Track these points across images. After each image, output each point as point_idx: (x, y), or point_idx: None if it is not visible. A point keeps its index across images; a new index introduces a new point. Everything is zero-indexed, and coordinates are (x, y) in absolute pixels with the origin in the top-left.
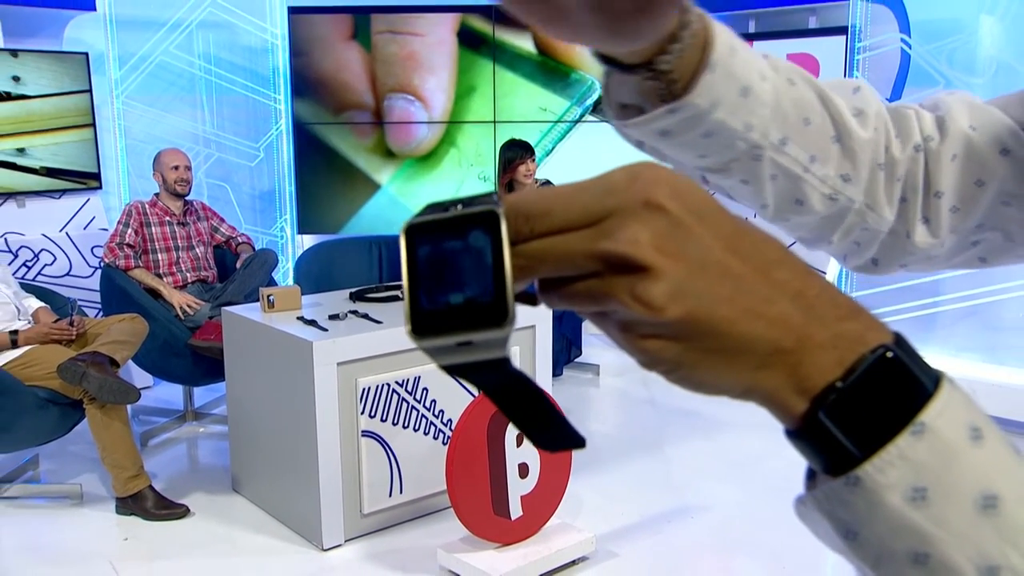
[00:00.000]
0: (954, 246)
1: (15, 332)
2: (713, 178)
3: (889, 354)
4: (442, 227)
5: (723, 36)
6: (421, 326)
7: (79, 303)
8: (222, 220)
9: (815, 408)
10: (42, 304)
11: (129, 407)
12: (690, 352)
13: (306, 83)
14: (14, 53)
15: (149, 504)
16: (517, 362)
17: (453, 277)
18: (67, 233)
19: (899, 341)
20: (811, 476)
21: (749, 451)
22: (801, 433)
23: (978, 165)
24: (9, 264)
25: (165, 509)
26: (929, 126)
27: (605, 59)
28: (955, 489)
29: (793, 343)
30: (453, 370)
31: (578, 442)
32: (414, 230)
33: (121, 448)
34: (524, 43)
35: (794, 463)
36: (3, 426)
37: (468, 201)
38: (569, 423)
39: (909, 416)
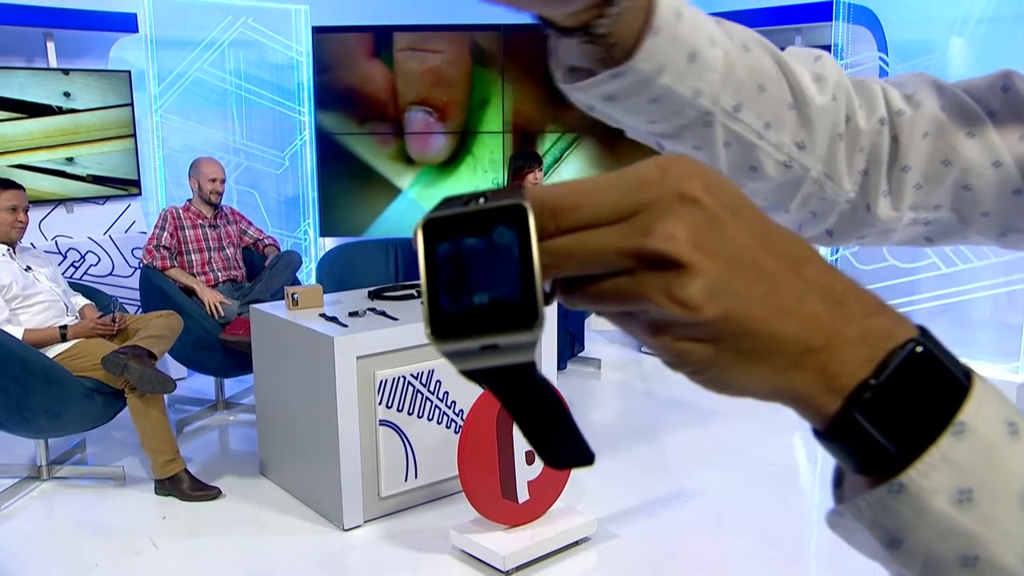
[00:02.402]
0: (909, 222)
1: (64, 327)
2: (667, 144)
3: (919, 348)
4: (463, 222)
5: (671, 1)
6: (442, 328)
7: (120, 301)
8: (250, 223)
9: (849, 407)
10: (88, 301)
11: (166, 396)
12: (722, 353)
13: (333, 97)
14: (65, 71)
15: (185, 486)
16: None
17: (476, 276)
18: (110, 236)
19: (926, 335)
20: (837, 484)
21: (740, 438)
22: (833, 433)
23: (946, 145)
24: (59, 265)
25: (199, 491)
26: (899, 101)
27: (546, 23)
28: (999, 487)
29: (823, 341)
30: (475, 375)
31: (587, 458)
32: (432, 226)
33: (159, 434)
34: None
35: (781, 449)
36: (54, 412)
37: (490, 195)
38: (581, 436)
39: (946, 413)
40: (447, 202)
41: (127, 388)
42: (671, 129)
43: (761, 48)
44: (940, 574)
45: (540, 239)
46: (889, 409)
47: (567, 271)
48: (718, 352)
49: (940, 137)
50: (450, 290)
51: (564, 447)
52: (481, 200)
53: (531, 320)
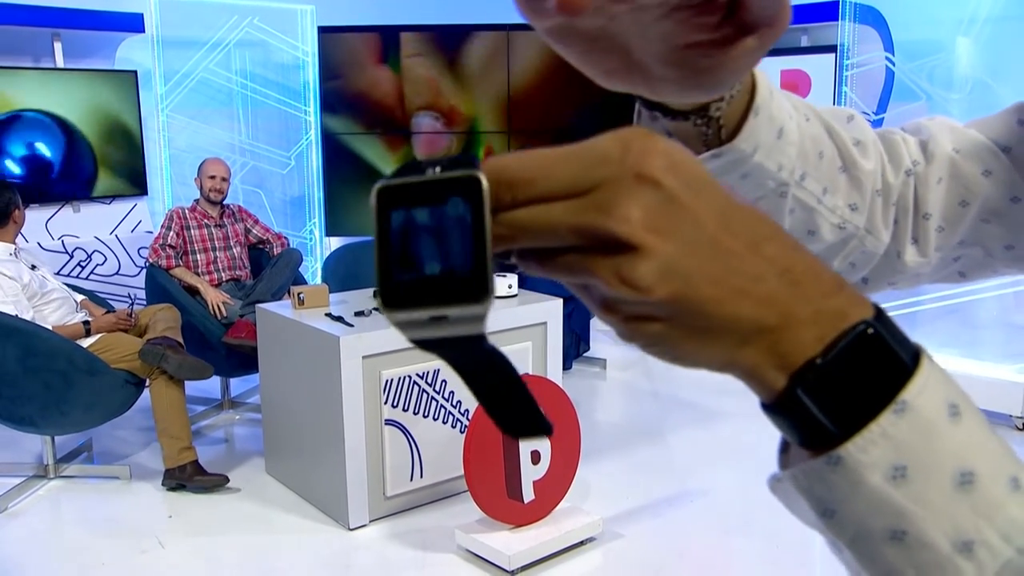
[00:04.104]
0: (938, 263)
1: (87, 322)
2: None
3: (869, 330)
4: (418, 191)
5: (763, 79)
6: (393, 298)
7: (136, 298)
8: (256, 221)
9: (793, 385)
10: (83, 296)
11: None
12: (672, 330)
13: (341, 103)
14: (72, 71)
15: (196, 474)
16: (528, 357)
17: (429, 246)
18: (116, 236)
19: (879, 315)
20: (784, 449)
21: (745, 439)
22: (777, 408)
23: (963, 186)
24: (65, 264)
25: (208, 476)
26: (915, 151)
27: (651, 104)
28: (934, 467)
29: (776, 321)
30: (424, 345)
31: (545, 428)
32: (387, 193)
33: (178, 421)
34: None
35: None
36: (91, 404)
37: (447, 163)
38: (537, 407)
39: (889, 393)
40: (405, 168)
41: (155, 376)
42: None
43: (815, 116)
44: (869, 546)
45: (494, 211)
46: (831, 388)
47: (520, 243)
48: (668, 329)
49: (955, 179)
50: (402, 259)
51: (520, 416)
52: (437, 168)
53: (481, 293)
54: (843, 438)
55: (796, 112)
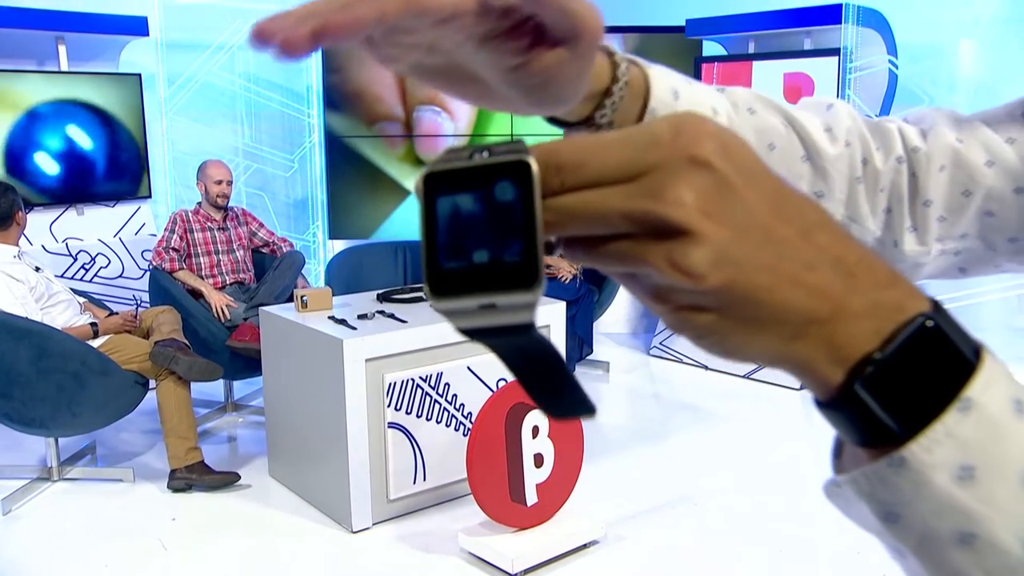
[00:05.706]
0: (938, 255)
1: (94, 323)
2: None
3: (929, 323)
4: (465, 177)
5: (662, 81)
6: (440, 286)
7: (138, 300)
8: (261, 225)
9: (851, 380)
10: (83, 299)
11: None
12: (724, 320)
13: (341, 97)
14: (76, 74)
15: (205, 473)
16: None
17: (477, 233)
18: (120, 238)
19: (938, 308)
20: (837, 454)
21: (747, 443)
22: (835, 404)
23: (966, 176)
24: (69, 267)
25: (219, 475)
26: (915, 138)
27: (555, 121)
28: (1002, 465)
29: (830, 312)
30: (472, 334)
31: (588, 409)
32: (433, 179)
33: (186, 421)
34: None
35: (791, 452)
36: (102, 404)
37: (494, 149)
38: (581, 388)
39: (952, 390)
40: (450, 154)
41: (163, 377)
42: None
43: (768, 107)
44: (936, 550)
45: (543, 196)
46: (892, 383)
47: (570, 230)
48: (720, 319)
49: (958, 168)
50: (450, 246)
51: (565, 399)
52: (485, 153)
53: (531, 280)
54: (905, 437)
55: (733, 107)
